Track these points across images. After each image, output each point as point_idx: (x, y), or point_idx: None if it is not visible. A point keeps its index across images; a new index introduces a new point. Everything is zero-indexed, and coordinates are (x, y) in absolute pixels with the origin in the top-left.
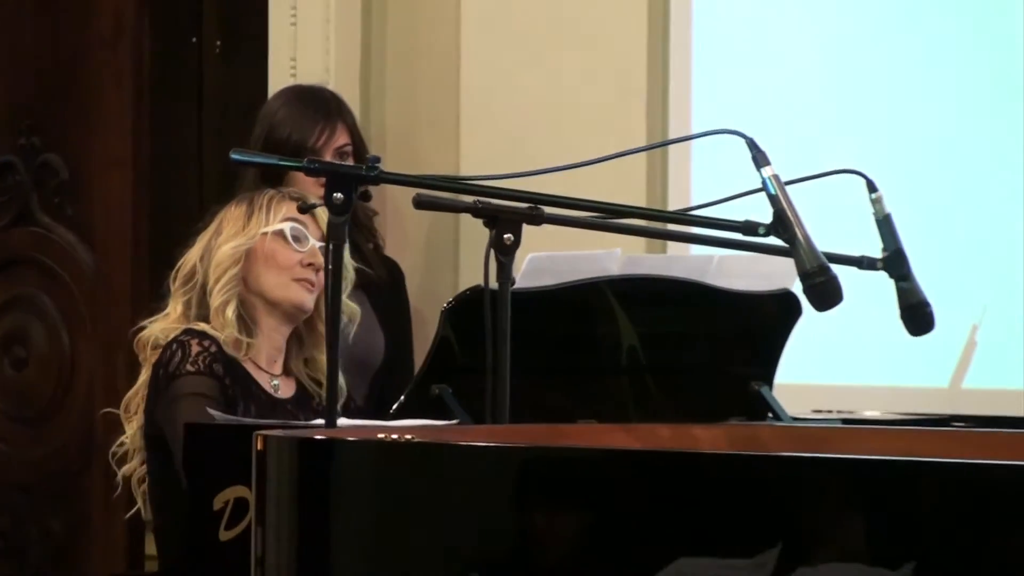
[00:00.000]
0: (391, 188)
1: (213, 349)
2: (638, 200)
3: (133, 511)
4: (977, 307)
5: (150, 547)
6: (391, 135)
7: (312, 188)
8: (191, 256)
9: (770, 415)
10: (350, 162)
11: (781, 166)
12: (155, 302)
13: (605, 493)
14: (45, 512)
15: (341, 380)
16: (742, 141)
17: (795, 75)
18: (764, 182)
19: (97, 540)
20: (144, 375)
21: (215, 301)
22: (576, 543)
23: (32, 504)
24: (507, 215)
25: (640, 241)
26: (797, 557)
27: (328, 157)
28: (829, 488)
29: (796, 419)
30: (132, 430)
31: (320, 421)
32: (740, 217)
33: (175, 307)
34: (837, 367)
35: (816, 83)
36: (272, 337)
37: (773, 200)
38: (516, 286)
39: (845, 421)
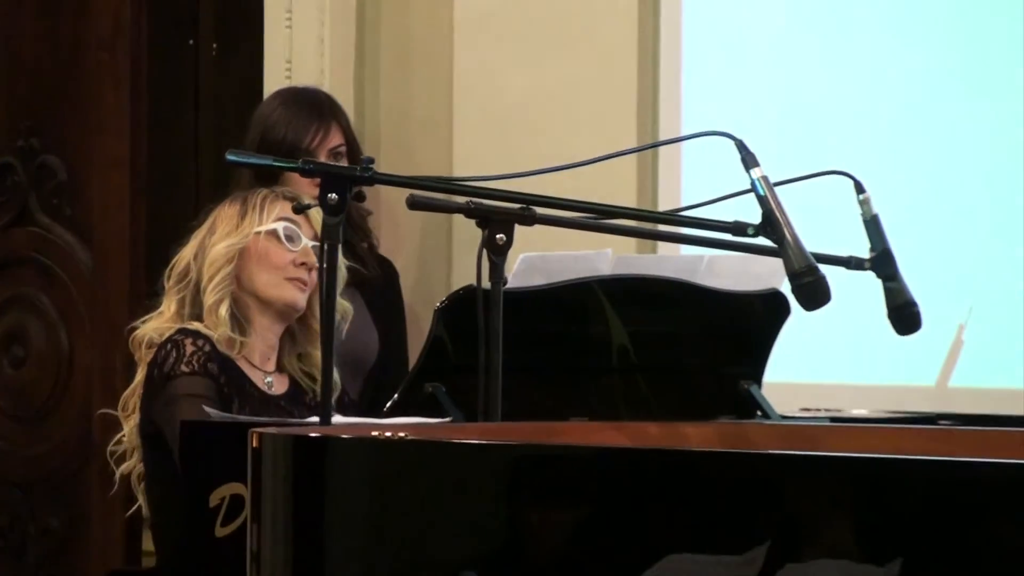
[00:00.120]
0: (385, 188)
1: (207, 348)
2: (629, 201)
3: (133, 508)
4: (964, 307)
5: (148, 543)
6: (385, 136)
7: (307, 188)
8: (185, 254)
9: (759, 413)
10: (344, 163)
11: (770, 167)
12: (149, 299)
13: (596, 490)
14: (43, 509)
15: (335, 374)
16: (731, 143)
17: (785, 76)
18: (753, 183)
19: (95, 537)
20: (140, 374)
21: (208, 300)
22: (568, 540)
23: (30, 502)
24: (499, 216)
25: (631, 241)
26: (786, 554)
27: (322, 158)
28: (818, 485)
29: (785, 417)
30: (130, 428)
31: (315, 419)
32: (730, 218)
33: (169, 305)
34: (825, 366)
35: (805, 84)
36: (265, 335)
37: (762, 201)
38: (508, 286)
39: (833, 419)
